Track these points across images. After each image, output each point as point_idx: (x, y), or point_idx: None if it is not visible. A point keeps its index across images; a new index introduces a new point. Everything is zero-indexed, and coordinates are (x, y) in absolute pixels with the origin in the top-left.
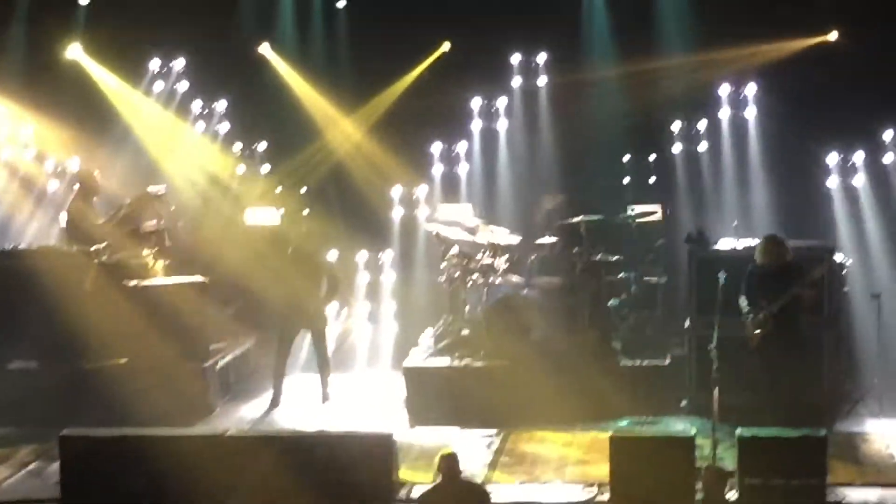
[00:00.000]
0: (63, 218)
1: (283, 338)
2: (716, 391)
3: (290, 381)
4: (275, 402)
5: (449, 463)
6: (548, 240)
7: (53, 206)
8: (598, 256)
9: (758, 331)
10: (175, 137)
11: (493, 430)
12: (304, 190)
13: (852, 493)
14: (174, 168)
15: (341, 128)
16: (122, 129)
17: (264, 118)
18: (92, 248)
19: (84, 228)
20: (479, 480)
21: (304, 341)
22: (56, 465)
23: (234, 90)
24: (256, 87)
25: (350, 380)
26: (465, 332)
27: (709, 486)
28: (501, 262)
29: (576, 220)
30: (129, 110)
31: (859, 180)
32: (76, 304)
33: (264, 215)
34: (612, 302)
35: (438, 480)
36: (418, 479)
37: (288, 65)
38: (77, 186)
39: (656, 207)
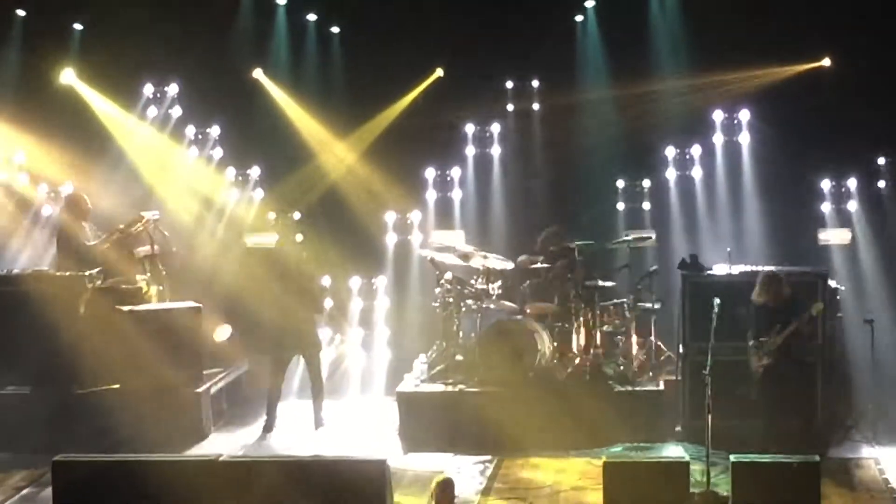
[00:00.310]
0: (54, 241)
1: (277, 362)
2: (709, 417)
3: (283, 407)
4: (268, 428)
5: (444, 489)
6: (541, 265)
7: (47, 231)
8: (592, 282)
9: (762, 361)
10: (169, 161)
11: (487, 456)
12: (297, 215)
13: None
14: (168, 191)
15: (334, 152)
16: (115, 153)
17: (257, 144)
18: (86, 273)
19: (75, 251)
20: None
21: (298, 366)
22: (49, 491)
23: (227, 116)
24: (250, 113)
25: (343, 405)
26: (459, 357)
27: None
28: (495, 288)
29: (569, 245)
30: (123, 134)
31: (853, 206)
32: (70, 328)
33: (262, 239)
34: (606, 328)
35: None
36: None
37: (281, 90)
38: (66, 210)
39: (651, 233)
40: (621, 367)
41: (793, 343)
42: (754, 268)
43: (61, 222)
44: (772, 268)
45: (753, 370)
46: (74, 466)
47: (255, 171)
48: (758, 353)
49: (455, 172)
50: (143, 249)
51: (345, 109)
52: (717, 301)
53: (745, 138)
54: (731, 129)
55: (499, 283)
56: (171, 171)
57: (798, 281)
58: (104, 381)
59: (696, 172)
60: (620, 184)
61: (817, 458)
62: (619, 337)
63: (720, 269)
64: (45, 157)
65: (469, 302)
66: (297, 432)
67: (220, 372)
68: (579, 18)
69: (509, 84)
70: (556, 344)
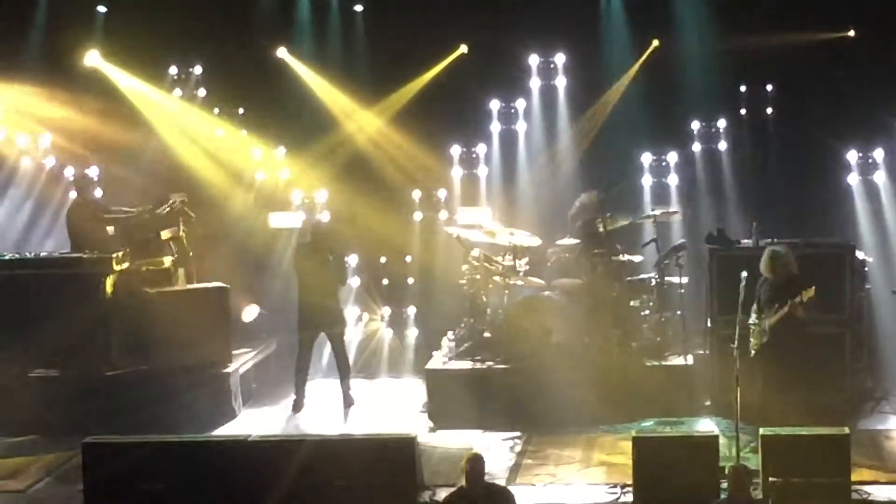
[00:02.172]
0: (67, 224)
1: (304, 341)
2: (738, 390)
3: (311, 386)
4: (297, 407)
5: (474, 465)
6: (568, 241)
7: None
8: (619, 257)
9: (760, 339)
10: (198, 137)
11: (516, 433)
12: (323, 194)
13: (876, 491)
14: (197, 168)
15: (360, 128)
16: (143, 133)
17: (283, 123)
18: (112, 255)
19: (89, 231)
20: (502, 483)
21: (326, 345)
22: (79, 472)
23: (251, 96)
24: (274, 93)
25: (372, 384)
26: (487, 334)
27: (733, 485)
28: (522, 264)
29: (597, 220)
30: (152, 110)
31: (879, 177)
32: (97, 311)
33: (287, 218)
34: (633, 303)
35: (462, 483)
36: (441, 481)
37: (306, 68)
38: (74, 193)
39: (676, 208)
40: (649, 342)
41: (788, 325)
42: (781, 241)
43: (70, 205)
44: (777, 243)
45: (751, 347)
46: (104, 448)
47: (280, 151)
48: (757, 331)
49: (480, 149)
50: (170, 230)
51: (369, 88)
52: (744, 274)
53: (770, 111)
54: (757, 101)
55: (525, 259)
56: (200, 148)
57: (825, 253)
58: (132, 362)
59: (722, 146)
60: (646, 158)
61: (847, 430)
62: (646, 312)
63: (747, 243)
64: (71, 140)
65: (496, 279)
66: (326, 411)
67: (249, 352)
68: None
69: (534, 60)
70: (583, 320)
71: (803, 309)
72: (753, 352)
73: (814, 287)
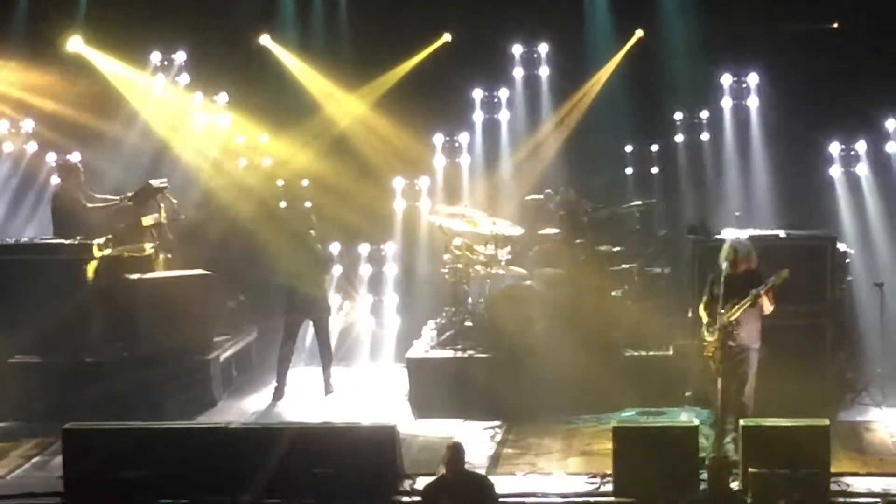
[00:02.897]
0: (50, 209)
1: (288, 328)
2: (719, 381)
3: (293, 374)
4: (278, 395)
5: (454, 454)
6: (551, 231)
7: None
8: (601, 247)
9: (710, 339)
10: (181, 122)
11: (497, 422)
12: (305, 182)
13: (856, 483)
14: (180, 153)
15: (343, 112)
16: (125, 119)
17: (266, 110)
18: (94, 242)
19: (72, 216)
20: (482, 472)
21: (308, 333)
22: (59, 459)
23: (235, 82)
24: (257, 80)
25: (353, 372)
26: (468, 323)
27: (713, 475)
28: (504, 254)
29: (579, 209)
30: (135, 94)
31: (862, 169)
32: (78, 297)
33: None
34: (614, 293)
35: (442, 471)
36: (422, 470)
37: (290, 54)
38: (59, 177)
39: (652, 199)
40: (630, 333)
41: (746, 317)
42: (763, 232)
43: (55, 190)
44: (739, 237)
45: (704, 347)
46: (84, 434)
47: (263, 138)
48: (710, 329)
49: (463, 138)
50: (151, 217)
51: (352, 75)
52: (725, 265)
53: (753, 102)
54: (739, 92)
55: (507, 248)
56: (183, 133)
57: (807, 244)
58: (113, 349)
59: (705, 136)
60: (629, 149)
61: (827, 421)
62: (628, 302)
63: (729, 234)
64: (53, 126)
65: (478, 268)
66: (306, 399)
67: (230, 339)
68: None
69: (517, 49)
70: (565, 309)
71: (773, 299)
72: (716, 350)
73: (787, 269)
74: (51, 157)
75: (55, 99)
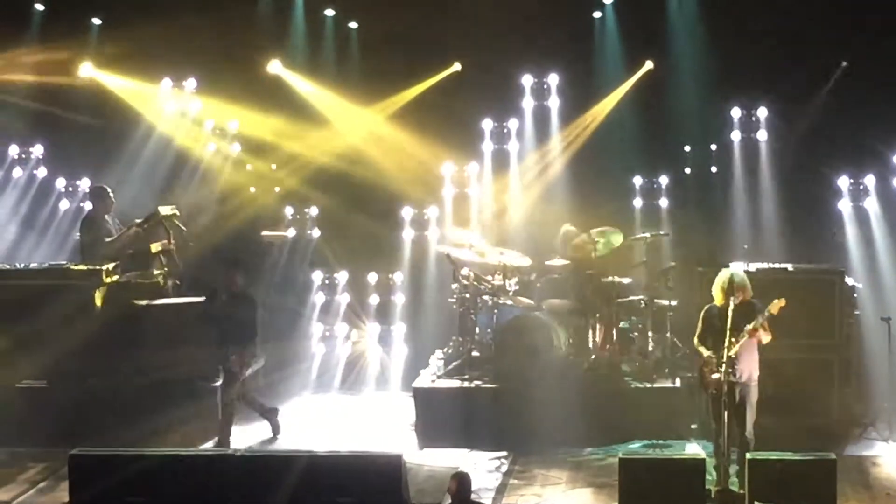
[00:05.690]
0: (78, 230)
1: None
2: (725, 414)
3: (299, 401)
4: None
5: (460, 484)
6: (558, 262)
7: (65, 224)
8: (609, 279)
9: (716, 376)
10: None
11: (503, 452)
12: (314, 210)
13: None
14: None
15: (355, 138)
16: (134, 146)
17: (274, 138)
18: (102, 268)
19: (96, 244)
20: (488, 502)
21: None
22: (65, 485)
23: (244, 110)
24: (267, 108)
25: (360, 400)
26: (475, 353)
27: None
28: (512, 284)
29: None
30: (152, 112)
31: (870, 203)
32: (87, 322)
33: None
34: (622, 324)
35: (448, 501)
36: (427, 499)
37: (301, 81)
38: (92, 202)
39: (667, 231)
40: (637, 364)
41: (744, 350)
42: (771, 265)
43: (88, 214)
44: (733, 268)
45: (707, 384)
46: (90, 460)
47: (272, 166)
48: (714, 364)
49: (472, 168)
50: (160, 243)
51: (362, 103)
52: (718, 297)
53: (762, 135)
54: (749, 125)
55: (515, 279)
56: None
57: (815, 278)
58: (121, 375)
59: (714, 169)
60: (637, 181)
61: (833, 455)
62: (635, 334)
63: (737, 266)
64: (62, 151)
65: (486, 298)
66: (311, 427)
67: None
68: (597, 15)
69: (527, 80)
70: (572, 340)
71: (767, 329)
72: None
73: (782, 299)
74: (60, 183)
75: (66, 124)
